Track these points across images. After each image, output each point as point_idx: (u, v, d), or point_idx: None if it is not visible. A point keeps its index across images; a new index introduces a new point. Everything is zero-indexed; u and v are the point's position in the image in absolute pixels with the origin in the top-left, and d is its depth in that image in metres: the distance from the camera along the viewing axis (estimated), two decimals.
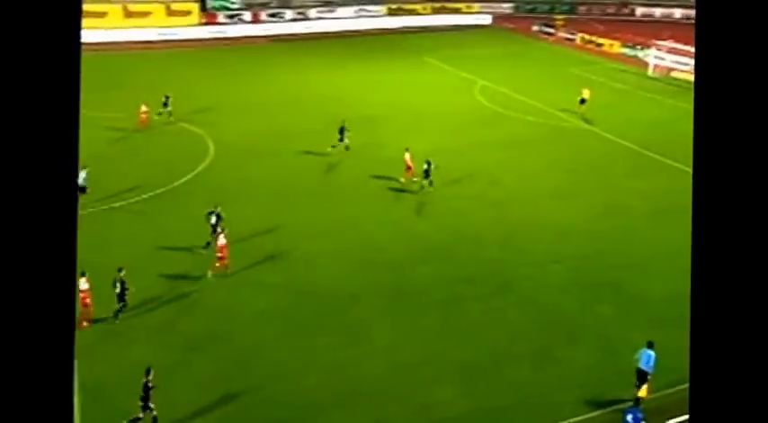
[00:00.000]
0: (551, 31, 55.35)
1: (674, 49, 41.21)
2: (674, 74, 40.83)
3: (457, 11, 63.26)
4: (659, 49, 42.06)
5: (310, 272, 18.79)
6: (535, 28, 57.06)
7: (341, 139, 27.01)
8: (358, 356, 15.37)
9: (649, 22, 59.61)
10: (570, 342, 15.86)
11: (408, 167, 24.03)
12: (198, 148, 28.03)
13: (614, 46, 48.68)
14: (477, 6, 64.46)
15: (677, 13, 61.35)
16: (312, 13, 60.41)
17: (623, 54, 47.22)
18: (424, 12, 63.11)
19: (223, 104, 33.88)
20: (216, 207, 19.56)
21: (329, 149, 26.98)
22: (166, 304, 17.11)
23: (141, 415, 12.87)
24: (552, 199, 23.64)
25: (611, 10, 64.07)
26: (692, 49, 40.55)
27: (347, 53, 47.64)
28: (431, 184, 23.39)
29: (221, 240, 18.04)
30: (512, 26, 58.57)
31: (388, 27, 58.13)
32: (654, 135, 30.11)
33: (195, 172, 25.46)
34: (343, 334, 16.12)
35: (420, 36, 54.90)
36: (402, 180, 24.19)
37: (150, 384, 12.85)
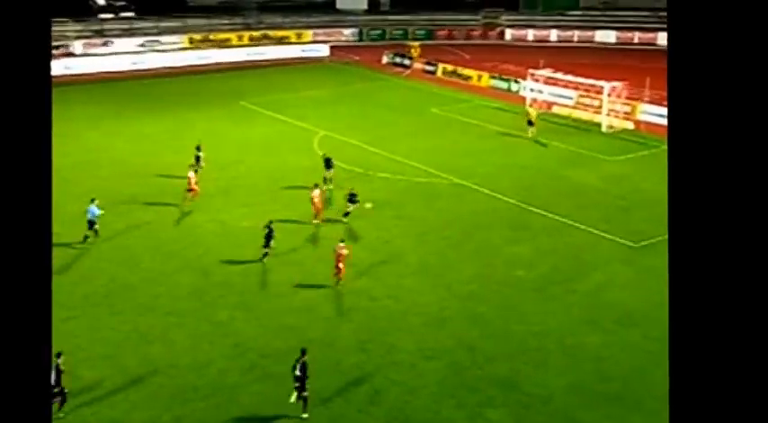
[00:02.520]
0: (406, 62, 59.89)
1: (552, 79, 46.54)
2: (555, 109, 45.93)
3: (284, 41, 66.33)
4: (536, 81, 47.20)
5: (90, 415, 18.04)
6: (386, 59, 61.36)
7: (328, 170, 32.33)
8: None
9: (522, 46, 66.87)
10: None
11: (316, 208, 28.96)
12: None
13: (483, 78, 53.82)
14: (309, 34, 68.11)
15: (553, 35, 69.67)
16: (77, 47, 59.86)
17: (494, 87, 52.33)
18: (239, 43, 65.32)
19: None
20: (270, 222, 25.98)
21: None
22: None
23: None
24: (420, 277, 25.09)
25: (476, 33, 71.08)
26: (573, 79, 46.33)
27: (131, 101, 47.63)
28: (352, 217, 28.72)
29: (343, 251, 24.30)
30: (356, 58, 62.44)
31: (191, 64, 59.24)
32: (536, 185, 33.41)
33: None
34: None
35: (236, 75, 56.52)
36: (315, 221, 28.97)
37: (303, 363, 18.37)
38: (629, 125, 42.39)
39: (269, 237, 25.81)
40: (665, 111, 43.34)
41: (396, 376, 19.62)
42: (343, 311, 22.85)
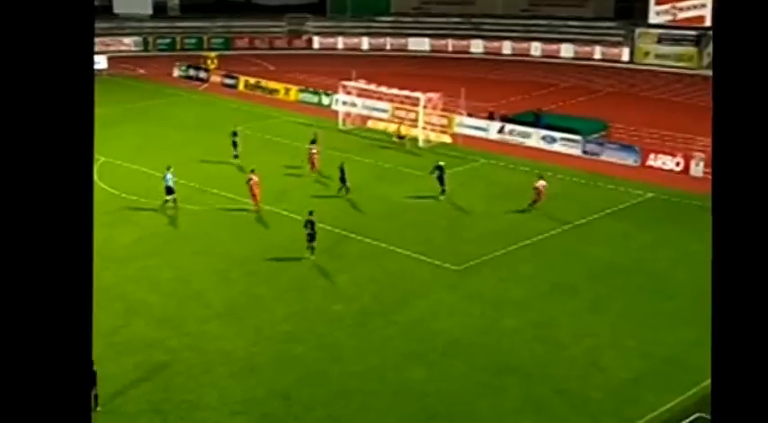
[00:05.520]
0: (202, 75, 58.98)
1: (365, 91, 47.50)
2: (370, 123, 46.89)
3: None
4: (348, 93, 48.00)
5: None
6: (177, 72, 60.10)
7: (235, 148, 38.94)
8: None
9: (332, 55, 68.01)
10: None
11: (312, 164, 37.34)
12: None
13: (292, 92, 54.05)
14: None
15: (364, 43, 71.42)
16: None
17: (304, 101, 52.69)
18: None
19: None
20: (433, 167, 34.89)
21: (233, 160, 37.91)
22: None
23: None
24: (226, 320, 24.50)
25: (281, 42, 71.41)
26: (387, 90, 47.11)
27: None
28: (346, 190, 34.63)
29: (541, 183, 33.14)
30: (141, 71, 60.69)
31: None
32: (351, 207, 33.84)
33: None
34: None
35: None
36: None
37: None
38: (447, 139, 44.06)
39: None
40: (481, 123, 45.58)
41: None
42: (132, 370, 21.72)
